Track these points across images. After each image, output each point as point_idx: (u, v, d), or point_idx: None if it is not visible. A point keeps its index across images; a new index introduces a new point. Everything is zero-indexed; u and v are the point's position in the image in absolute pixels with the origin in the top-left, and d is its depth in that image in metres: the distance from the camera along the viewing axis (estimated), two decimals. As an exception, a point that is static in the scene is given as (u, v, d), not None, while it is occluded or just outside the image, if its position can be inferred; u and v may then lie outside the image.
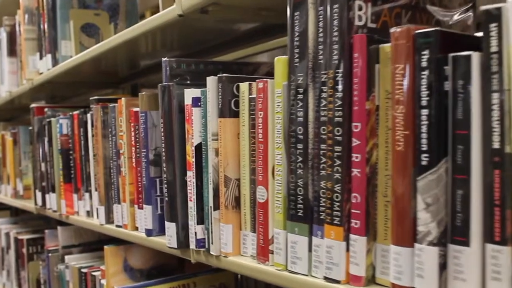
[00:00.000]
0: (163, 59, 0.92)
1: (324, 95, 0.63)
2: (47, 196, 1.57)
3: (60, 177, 1.45)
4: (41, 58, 1.62)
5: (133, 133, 1.08)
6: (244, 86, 0.78)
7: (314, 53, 0.65)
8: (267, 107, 0.72)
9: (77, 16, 1.53)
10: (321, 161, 0.64)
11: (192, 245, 0.86)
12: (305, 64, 0.66)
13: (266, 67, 1.03)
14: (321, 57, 0.64)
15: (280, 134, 0.69)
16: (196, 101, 0.84)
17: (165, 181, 0.90)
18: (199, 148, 0.84)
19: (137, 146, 1.06)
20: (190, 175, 0.85)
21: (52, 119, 1.48)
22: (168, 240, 0.90)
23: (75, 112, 1.39)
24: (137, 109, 1.05)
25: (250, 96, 0.77)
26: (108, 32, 1.56)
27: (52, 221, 2.20)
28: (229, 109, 0.79)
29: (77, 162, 1.40)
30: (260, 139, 0.73)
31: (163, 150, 0.90)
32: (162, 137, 0.90)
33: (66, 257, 1.51)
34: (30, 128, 1.69)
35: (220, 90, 0.79)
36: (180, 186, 0.88)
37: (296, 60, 0.67)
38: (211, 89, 0.80)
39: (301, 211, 0.67)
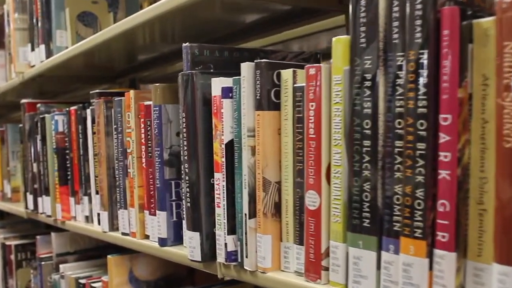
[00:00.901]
0: (184, 44, 0.80)
1: (400, 81, 0.53)
2: (39, 199, 1.44)
3: (55, 179, 1.32)
4: (33, 49, 1.49)
5: (143, 130, 0.96)
6: (287, 73, 0.67)
7: (386, 31, 0.54)
8: (320, 97, 0.61)
9: (73, 4, 1.41)
10: (396, 161, 0.53)
11: (221, 258, 0.75)
12: (375, 45, 0.55)
13: (293, 55, 0.92)
14: (396, 36, 0.53)
15: (339, 129, 0.58)
16: (227, 92, 0.72)
17: (187, 184, 0.78)
18: (230, 146, 0.73)
19: (149, 145, 0.94)
20: (219, 178, 0.74)
21: (46, 115, 1.36)
22: (190, 252, 0.79)
23: (73, 108, 1.26)
24: (149, 102, 0.93)
25: (295, 85, 0.65)
26: (107, 22, 1.44)
27: (41, 225, 2.06)
28: (268, 101, 0.68)
29: (74, 163, 1.27)
30: (311, 135, 0.62)
31: (185, 148, 0.78)
32: (184, 134, 0.78)
33: (61, 266, 1.38)
34: (21, 125, 1.56)
35: (258, 78, 0.68)
36: (205, 190, 0.77)
37: (362, 40, 0.56)
38: (246, 77, 0.69)
39: (367, 220, 0.56)
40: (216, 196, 0.75)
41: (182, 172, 0.80)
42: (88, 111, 1.20)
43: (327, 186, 0.61)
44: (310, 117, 0.62)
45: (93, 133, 1.16)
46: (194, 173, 0.77)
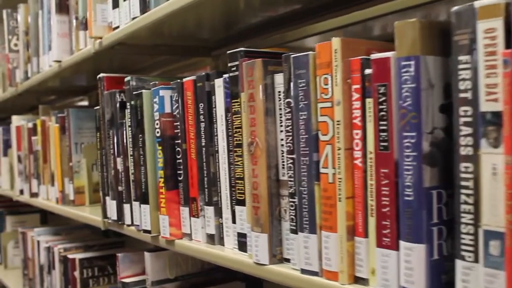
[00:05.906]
0: None
1: None
2: (126, 206, 1.06)
3: (158, 180, 0.94)
4: (115, 6, 1.11)
5: (360, 104, 0.57)
6: None
7: None
8: None
9: None
10: None
11: None
12: None
13: None
14: None
15: None
16: None
17: None
18: None
19: (381, 127, 0.55)
20: None
21: (144, 91, 0.97)
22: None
23: (188, 79, 0.88)
24: (380, 55, 0.54)
25: None
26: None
27: (99, 230, 1.68)
28: None
29: (190, 157, 0.89)
30: None
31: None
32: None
33: (161, 299, 1.01)
34: (97, 107, 1.18)
35: None
36: None
37: None
38: None
39: None
40: None
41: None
42: (219, 81, 0.81)
43: None
44: None
45: (232, 113, 0.78)
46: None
